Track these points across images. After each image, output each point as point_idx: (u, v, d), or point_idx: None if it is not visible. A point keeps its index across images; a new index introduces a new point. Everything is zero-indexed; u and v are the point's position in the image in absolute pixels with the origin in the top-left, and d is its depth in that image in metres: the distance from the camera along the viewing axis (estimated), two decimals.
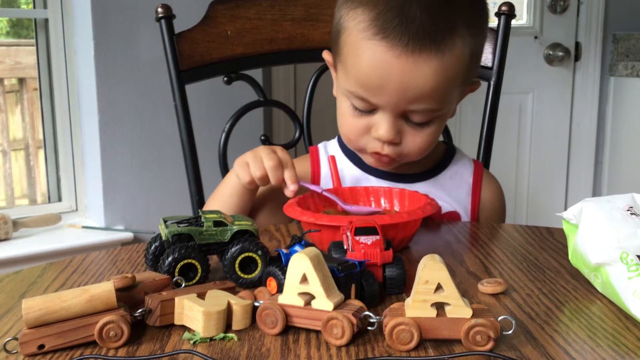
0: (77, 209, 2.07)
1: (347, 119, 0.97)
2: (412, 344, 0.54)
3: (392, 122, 0.92)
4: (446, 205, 1.04)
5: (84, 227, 1.97)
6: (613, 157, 2.66)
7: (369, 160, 1.01)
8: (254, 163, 0.93)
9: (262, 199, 1.05)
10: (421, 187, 1.02)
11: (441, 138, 1.30)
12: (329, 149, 1.10)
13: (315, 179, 1.06)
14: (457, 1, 0.90)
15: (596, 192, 2.74)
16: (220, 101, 1.89)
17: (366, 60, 0.89)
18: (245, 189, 0.97)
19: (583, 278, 0.71)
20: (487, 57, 1.22)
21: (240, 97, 1.33)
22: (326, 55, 1.05)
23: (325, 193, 0.92)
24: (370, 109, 0.93)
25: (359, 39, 0.90)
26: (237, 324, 0.58)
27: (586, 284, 0.69)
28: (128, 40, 1.90)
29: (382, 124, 0.93)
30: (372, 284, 0.62)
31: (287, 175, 0.92)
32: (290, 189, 0.91)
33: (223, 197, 1.00)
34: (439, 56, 0.87)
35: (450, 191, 1.05)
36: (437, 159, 1.08)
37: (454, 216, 1.04)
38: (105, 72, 1.89)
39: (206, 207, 1.03)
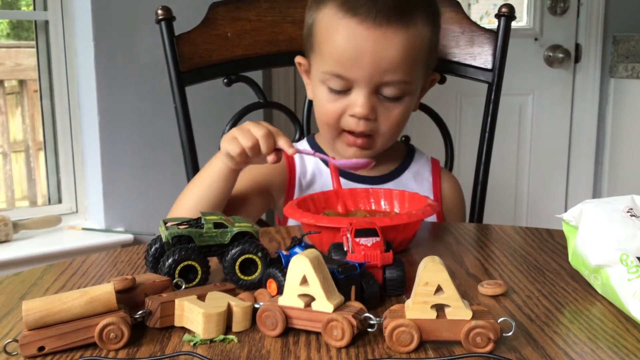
0: (77, 211, 2.07)
1: (324, 105, 1.04)
2: (412, 346, 0.54)
3: (367, 98, 1.00)
4: None
5: (84, 228, 1.97)
6: (613, 158, 2.66)
7: (343, 148, 1.06)
8: (242, 135, 0.93)
9: (241, 191, 1.07)
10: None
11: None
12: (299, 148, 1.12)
13: (292, 180, 1.09)
14: None
15: (596, 193, 2.73)
16: (220, 103, 1.89)
17: (340, 36, 0.99)
18: (231, 171, 0.98)
19: (583, 280, 0.71)
20: (487, 59, 1.23)
21: (240, 98, 1.33)
22: (299, 59, 1.12)
23: (317, 155, 0.96)
24: (346, 88, 1.01)
25: (332, 20, 1.00)
26: (237, 326, 0.58)
27: (586, 285, 0.69)
28: (128, 42, 1.90)
29: (357, 100, 1.00)
30: (372, 285, 0.62)
31: (283, 141, 0.93)
32: (289, 152, 0.93)
33: (206, 182, 1.00)
34: (404, 29, 0.98)
35: (413, 190, 1.09)
36: (399, 161, 1.15)
37: None
38: (106, 73, 1.89)
39: (187, 193, 1.02)
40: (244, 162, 0.97)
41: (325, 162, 1.10)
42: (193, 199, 1.00)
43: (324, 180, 1.10)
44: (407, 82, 1.01)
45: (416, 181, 1.13)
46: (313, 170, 1.11)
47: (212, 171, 1.00)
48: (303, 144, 1.15)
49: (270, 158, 0.93)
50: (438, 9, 1.08)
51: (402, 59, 0.98)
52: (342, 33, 0.98)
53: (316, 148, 1.13)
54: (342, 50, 0.98)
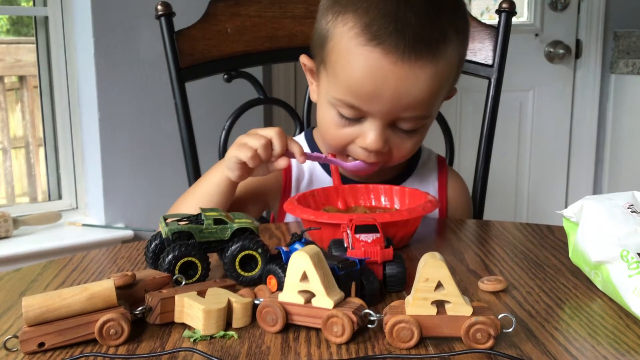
0: (77, 207, 2.07)
1: (332, 129, 0.95)
2: (413, 342, 0.53)
3: (381, 132, 0.91)
4: None
5: (84, 225, 1.97)
6: (614, 154, 2.66)
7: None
8: (251, 139, 0.89)
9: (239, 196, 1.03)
10: None
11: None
12: (310, 153, 1.08)
13: (288, 183, 1.05)
14: (446, 9, 0.90)
15: (597, 189, 2.73)
16: (220, 99, 1.89)
17: (360, 67, 0.87)
18: (230, 184, 0.94)
19: (583, 276, 0.71)
20: (487, 55, 1.22)
21: (240, 94, 1.33)
22: (305, 59, 1.03)
23: (329, 158, 0.93)
24: (359, 117, 0.92)
25: (352, 45, 0.87)
26: (237, 322, 0.58)
27: (586, 281, 0.69)
28: (128, 38, 1.90)
29: (370, 133, 0.91)
30: (372, 281, 0.62)
31: (294, 145, 0.90)
32: (300, 160, 0.90)
33: (203, 196, 0.95)
34: (434, 62, 0.87)
35: None
36: (404, 165, 1.08)
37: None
38: (105, 69, 1.89)
39: (182, 206, 0.98)
40: (254, 166, 0.90)
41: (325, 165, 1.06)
42: (189, 212, 0.96)
43: (320, 180, 1.06)
44: (426, 117, 0.93)
45: (421, 187, 1.06)
46: (310, 171, 1.07)
47: (210, 184, 0.95)
48: (300, 140, 1.10)
49: (282, 162, 0.89)
50: (468, 20, 0.96)
51: (426, 96, 0.88)
52: (362, 64, 0.86)
53: (313, 144, 1.09)
54: (360, 83, 0.88)
